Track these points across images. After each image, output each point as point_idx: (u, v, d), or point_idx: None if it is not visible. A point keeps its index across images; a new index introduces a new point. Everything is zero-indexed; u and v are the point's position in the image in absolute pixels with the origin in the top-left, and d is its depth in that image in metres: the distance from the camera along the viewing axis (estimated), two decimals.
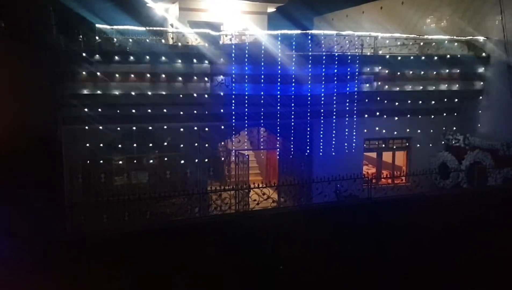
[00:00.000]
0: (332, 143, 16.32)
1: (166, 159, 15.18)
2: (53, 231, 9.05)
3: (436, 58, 16.82)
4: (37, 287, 8.09)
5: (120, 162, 14.95)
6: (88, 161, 14.38)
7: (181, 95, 14.26)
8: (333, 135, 16.27)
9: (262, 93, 14.88)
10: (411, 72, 16.49)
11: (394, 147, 17.98)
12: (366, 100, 16.23)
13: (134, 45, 14.50)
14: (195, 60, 14.26)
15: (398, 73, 16.36)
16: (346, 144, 16.51)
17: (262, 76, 14.80)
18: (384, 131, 17.16)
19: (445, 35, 17.79)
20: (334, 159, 15.98)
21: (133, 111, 14.10)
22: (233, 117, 14.94)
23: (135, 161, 15.02)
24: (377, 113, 16.80)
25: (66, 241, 9.02)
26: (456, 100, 17.44)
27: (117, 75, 13.61)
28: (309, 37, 15.48)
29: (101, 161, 14.51)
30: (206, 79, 14.41)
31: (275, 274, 10.01)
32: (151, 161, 15.30)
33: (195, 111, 14.72)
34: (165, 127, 14.73)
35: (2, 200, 9.10)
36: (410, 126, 17.45)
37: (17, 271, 8.04)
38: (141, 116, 14.24)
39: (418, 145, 17.74)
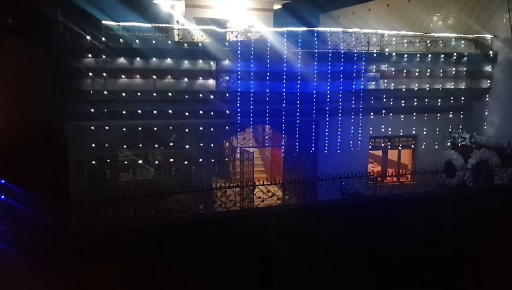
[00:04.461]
0: (337, 141, 16.29)
1: (171, 156, 15.20)
2: (58, 227, 9.08)
3: (442, 56, 16.73)
4: (42, 282, 8.13)
5: (126, 158, 14.99)
6: (93, 157, 14.41)
7: (186, 92, 14.27)
8: (339, 133, 16.24)
9: (267, 90, 14.88)
10: (417, 70, 16.40)
11: (400, 145, 17.91)
12: (372, 98, 16.20)
13: (139, 42, 14.52)
14: (200, 57, 14.25)
15: (405, 71, 16.28)
16: (351, 142, 16.49)
17: (268, 74, 14.80)
18: (389, 129, 17.11)
19: (452, 33, 17.68)
20: (339, 157, 15.95)
21: (139, 107, 14.12)
22: (239, 115, 14.95)
23: (140, 158, 15.05)
24: (383, 111, 16.74)
25: (71, 237, 9.06)
26: (463, 98, 17.34)
27: (122, 72, 13.63)
28: (315, 34, 15.42)
29: (107, 158, 14.55)
30: (211, 76, 14.41)
31: (279, 271, 10.00)
32: (157, 157, 15.32)
33: (200, 108, 14.73)
34: (171, 124, 14.76)
35: (8, 195, 9.15)
36: (416, 124, 17.38)
37: (23, 266, 8.08)
38: (146, 113, 14.26)
39: (424, 144, 17.67)
